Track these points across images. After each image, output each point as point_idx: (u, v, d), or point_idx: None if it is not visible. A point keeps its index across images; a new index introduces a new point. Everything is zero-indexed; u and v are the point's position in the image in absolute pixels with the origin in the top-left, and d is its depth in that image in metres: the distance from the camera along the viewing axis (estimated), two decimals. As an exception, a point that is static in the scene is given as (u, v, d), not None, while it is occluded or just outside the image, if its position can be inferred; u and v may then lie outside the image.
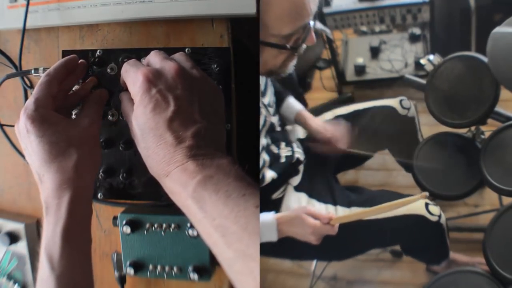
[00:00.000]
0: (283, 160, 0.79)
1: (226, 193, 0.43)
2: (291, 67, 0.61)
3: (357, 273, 1.11)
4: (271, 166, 0.76)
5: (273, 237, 0.68)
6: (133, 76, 0.49)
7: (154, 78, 0.47)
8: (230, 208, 0.42)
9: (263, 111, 0.73)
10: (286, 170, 0.79)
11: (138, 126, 0.47)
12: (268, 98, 0.76)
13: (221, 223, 0.42)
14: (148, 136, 0.47)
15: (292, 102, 0.87)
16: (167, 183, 0.47)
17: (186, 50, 0.61)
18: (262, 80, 0.75)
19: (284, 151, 0.80)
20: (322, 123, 0.86)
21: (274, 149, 0.78)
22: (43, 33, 0.70)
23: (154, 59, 0.52)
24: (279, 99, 0.86)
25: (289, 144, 0.82)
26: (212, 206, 0.43)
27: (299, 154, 0.82)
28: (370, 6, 1.39)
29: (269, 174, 0.76)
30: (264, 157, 0.75)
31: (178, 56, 0.53)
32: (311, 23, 0.55)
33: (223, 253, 0.43)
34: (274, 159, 0.77)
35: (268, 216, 0.68)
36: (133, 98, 0.49)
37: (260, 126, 0.73)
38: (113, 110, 0.60)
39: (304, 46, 0.58)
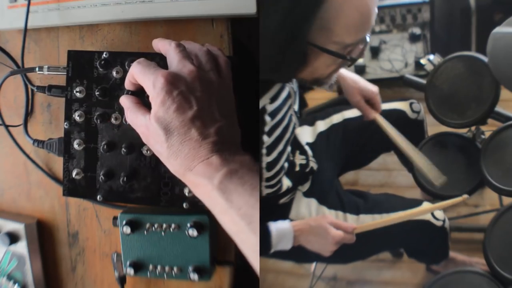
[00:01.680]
0: (297, 168, 0.77)
1: (252, 185, 0.46)
2: (334, 78, 0.60)
3: (357, 273, 1.11)
4: (287, 174, 0.74)
5: (288, 245, 0.67)
6: (152, 78, 0.49)
7: (175, 81, 0.49)
8: (256, 198, 0.45)
9: (293, 118, 0.69)
10: (299, 178, 0.78)
11: (162, 126, 0.49)
12: (297, 106, 0.72)
13: (247, 212, 0.45)
14: (172, 135, 0.48)
15: None
16: (190, 177, 0.49)
17: None
18: (294, 87, 0.69)
19: (298, 159, 0.78)
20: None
21: (289, 156, 0.76)
22: (43, 33, 0.70)
23: (173, 56, 0.52)
24: None
25: (303, 152, 0.80)
26: (239, 197, 0.46)
27: (313, 163, 0.80)
28: (370, 6, 1.38)
29: (286, 183, 0.74)
30: (285, 164, 0.72)
31: (201, 55, 0.53)
32: (368, 37, 0.55)
33: (248, 240, 0.45)
34: (290, 166, 0.75)
35: (284, 225, 0.67)
36: (151, 99, 0.50)
37: (289, 134, 0.69)
38: (117, 113, 0.59)
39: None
